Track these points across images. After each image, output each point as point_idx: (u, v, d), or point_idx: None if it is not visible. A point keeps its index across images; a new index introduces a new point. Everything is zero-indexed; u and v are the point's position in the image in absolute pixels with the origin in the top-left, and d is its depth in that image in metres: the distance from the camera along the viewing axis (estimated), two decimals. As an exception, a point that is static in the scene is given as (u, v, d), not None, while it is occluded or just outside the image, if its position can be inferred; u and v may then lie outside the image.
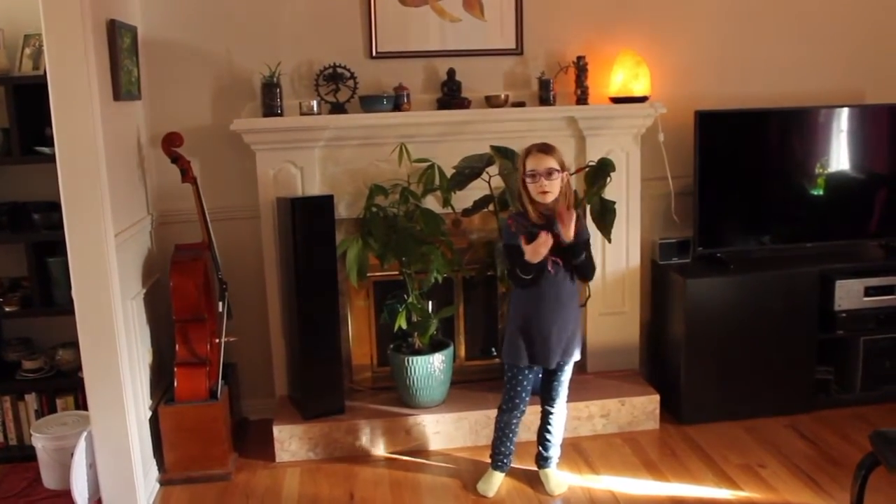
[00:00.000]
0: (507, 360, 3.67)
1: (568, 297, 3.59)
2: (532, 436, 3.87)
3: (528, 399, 3.70)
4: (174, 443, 3.93)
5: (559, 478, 3.81)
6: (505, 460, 3.79)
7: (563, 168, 3.46)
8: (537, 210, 3.47)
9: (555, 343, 3.57)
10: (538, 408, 3.82)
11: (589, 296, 4.48)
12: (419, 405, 4.23)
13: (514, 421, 3.72)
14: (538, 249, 3.37)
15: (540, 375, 3.76)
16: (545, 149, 3.45)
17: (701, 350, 4.33)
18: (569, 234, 3.41)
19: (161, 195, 4.31)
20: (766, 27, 4.65)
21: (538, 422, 3.82)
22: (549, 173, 3.40)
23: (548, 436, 3.79)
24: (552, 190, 3.42)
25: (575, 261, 3.50)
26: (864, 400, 4.52)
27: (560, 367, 3.68)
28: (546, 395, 3.75)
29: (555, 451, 3.82)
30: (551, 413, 3.76)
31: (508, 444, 3.77)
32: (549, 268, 3.49)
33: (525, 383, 3.66)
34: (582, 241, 3.51)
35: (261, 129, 4.15)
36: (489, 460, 3.83)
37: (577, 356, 3.69)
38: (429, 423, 4.18)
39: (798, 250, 4.61)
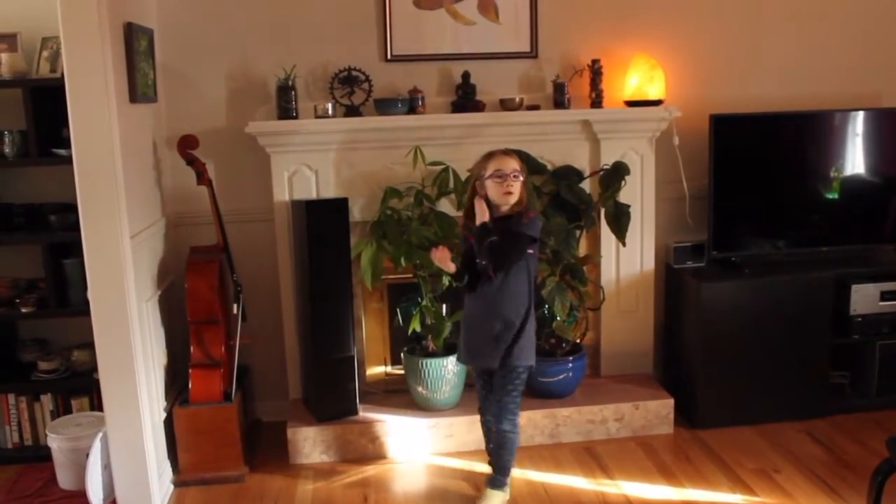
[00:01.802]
0: (458, 362, 3.83)
1: (509, 299, 3.47)
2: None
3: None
4: (188, 444, 3.94)
5: (491, 500, 3.65)
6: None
7: (522, 168, 3.46)
8: (482, 216, 3.41)
9: (489, 344, 3.47)
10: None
11: (603, 299, 4.48)
12: (433, 408, 4.24)
13: (483, 420, 3.72)
14: (441, 260, 3.46)
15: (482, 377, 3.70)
16: (508, 152, 3.47)
17: (715, 354, 4.31)
18: (481, 218, 3.39)
19: (176, 197, 4.33)
20: (781, 30, 4.64)
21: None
22: (515, 175, 3.40)
23: (490, 448, 3.71)
24: (515, 191, 3.41)
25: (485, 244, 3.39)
26: (879, 405, 4.49)
27: (501, 376, 3.52)
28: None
29: (499, 470, 3.66)
30: (491, 422, 3.64)
31: (488, 444, 3.74)
32: (488, 274, 3.43)
33: (480, 383, 3.67)
34: (511, 237, 3.41)
35: (276, 132, 4.16)
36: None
37: (522, 360, 3.49)
38: (442, 426, 4.18)
39: (813, 254, 4.59)
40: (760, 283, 4.33)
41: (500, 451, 3.62)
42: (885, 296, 4.40)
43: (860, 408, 4.50)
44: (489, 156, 3.47)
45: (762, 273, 4.38)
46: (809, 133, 4.53)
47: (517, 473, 3.87)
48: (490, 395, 3.61)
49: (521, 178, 3.43)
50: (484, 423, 3.73)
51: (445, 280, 4.07)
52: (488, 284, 3.46)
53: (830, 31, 4.68)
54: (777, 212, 4.54)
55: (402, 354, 4.34)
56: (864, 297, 4.39)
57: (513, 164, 3.41)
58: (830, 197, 4.55)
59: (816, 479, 3.82)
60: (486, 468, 3.84)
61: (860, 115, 4.52)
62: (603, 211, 4.28)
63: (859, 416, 4.44)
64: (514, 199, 3.41)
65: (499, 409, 3.56)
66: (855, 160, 4.57)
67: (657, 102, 4.37)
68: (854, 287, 4.37)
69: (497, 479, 3.67)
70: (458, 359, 3.77)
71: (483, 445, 3.82)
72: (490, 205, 3.42)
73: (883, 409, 4.48)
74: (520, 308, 3.48)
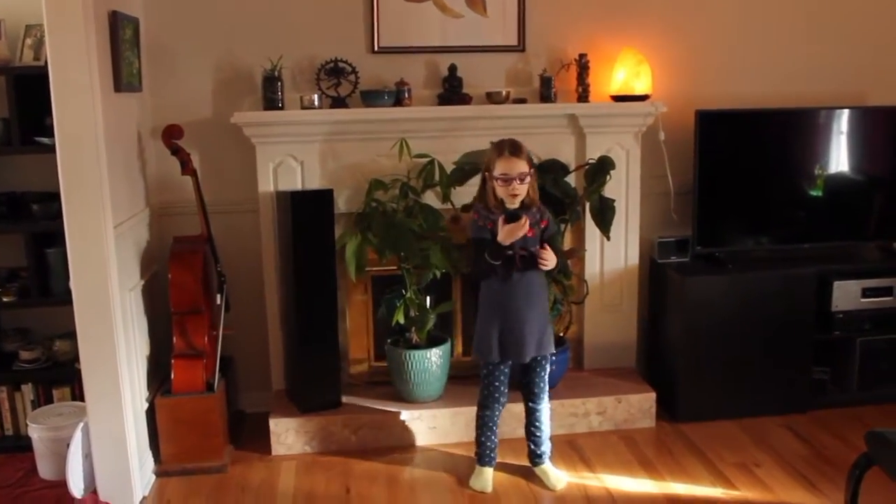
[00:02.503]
0: (479, 356, 3.70)
1: (539, 291, 3.60)
2: (521, 431, 3.86)
3: (506, 392, 3.72)
4: (170, 434, 3.93)
5: (557, 472, 3.82)
6: (492, 454, 3.80)
7: (531, 164, 3.49)
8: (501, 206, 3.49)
9: (527, 337, 3.57)
10: (520, 404, 3.83)
11: (587, 293, 4.49)
12: (416, 400, 4.24)
13: (496, 415, 3.74)
14: (514, 232, 3.39)
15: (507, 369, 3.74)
16: (516, 151, 3.45)
17: (698, 349, 4.34)
18: (549, 266, 3.52)
19: (161, 187, 4.31)
20: (768, 28, 4.65)
21: (524, 419, 3.83)
22: (521, 178, 3.42)
23: (536, 433, 3.79)
24: (522, 193, 3.46)
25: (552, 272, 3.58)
26: (860, 400, 4.53)
27: (537, 362, 3.68)
28: (527, 393, 3.76)
29: (546, 447, 3.83)
30: (536, 410, 3.76)
31: (493, 437, 3.78)
32: (518, 261, 3.50)
33: (501, 378, 3.68)
34: (552, 245, 3.56)
35: (261, 123, 4.15)
36: (475, 458, 3.84)
37: (551, 349, 3.68)
38: (425, 418, 4.19)
39: (796, 251, 4.62)
40: (744, 279, 4.35)
41: (543, 427, 3.80)
42: (866, 293, 4.43)
43: (840, 403, 4.53)
44: (499, 150, 3.47)
45: (746, 269, 4.41)
46: (794, 130, 4.55)
47: (499, 467, 3.87)
48: (525, 388, 3.76)
49: (529, 180, 3.46)
50: (489, 418, 3.74)
51: (433, 272, 4.08)
52: (522, 277, 3.54)
53: (817, 30, 4.70)
54: (761, 208, 4.56)
55: (385, 346, 4.34)
56: (846, 294, 4.42)
57: (519, 167, 3.43)
58: (814, 194, 4.57)
59: (796, 474, 3.85)
60: (467, 460, 3.86)
61: (845, 113, 4.55)
62: (588, 205, 4.29)
63: (840, 412, 4.47)
64: (519, 199, 3.47)
65: (539, 392, 3.74)
66: (839, 158, 4.60)
67: (643, 97, 4.38)
68: (836, 284, 4.40)
69: (547, 454, 3.83)
70: (485, 358, 3.65)
71: (469, 438, 3.84)
72: (497, 199, 3.50)
73: (863, 405, 4.51)
74: (546, 294, 3.66)
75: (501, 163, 3.45)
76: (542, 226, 3.56)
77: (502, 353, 3.61)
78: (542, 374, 3.73)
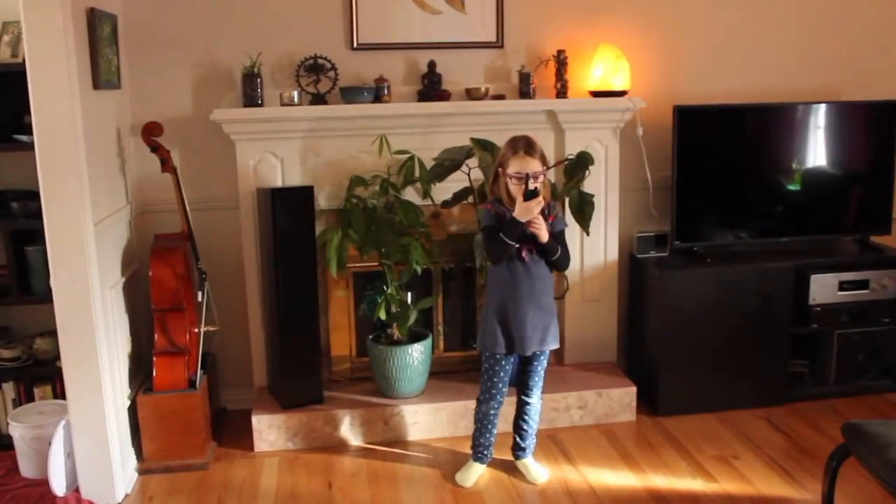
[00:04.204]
0: (484, 349, 3.68)
1: (543, 285, 3.62)
2: (507, 426, 3.89)
3: (506, 389, 3.73)
4: (152, 432, 3.93)
5: (539, 467, 3.84)
6: (486, 452, 3.82)
7: (545, 162, 3.49)
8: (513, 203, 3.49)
9: (531, 330, 3.59)
10: (513, 398, 3.84)
11: (567, 288, 4.51)
12: (398, 396, 4.26)
13: (493, 411, 3.75)
14: (531, 207, 3.38)
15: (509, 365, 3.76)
16: (530, 150, 3.44)
17: (677, 343, 4.37)
18: (543, 237, 3.47)
19: (141, 184, 4.31)
20: (745, 24, 4.69)
21: (513, 412, 3.85)
22: (535, 177, 3.42)
23: (524, 426, 3.81)
24: (539, 192, 3.43)
25: (549, 258, 3.56)
26: (837, 393, 4.58)
27: (536, 356, 3.71)
28: (522, 385, 3.78)
29: (531, 441, 3.85)
30: (528, 403, 3.78)
31: (489, 435, 3.79)
32: (524, 255, 3.53)
33: (503, 373, 3.69)
34: (557, 240, 3.57)
35: (241, 120, 4.15)
36: (469, 451, 3.86)
37: (554, 345, 3.71)
38: (407, 414, 4.20)
39: (774, 245, 4.66)
40: (722, 273, 4.38)
41: (531, 422, 3.82)
42: (843, 286, 4.48)
43: (818, 395, 4.58)
44: (514, 149, 3.47)
45: (724, 263, 4.44)
46: (772, 125, 4.59)
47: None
48: (521, 381, 3.78)
49: (543, 178, 3.46)
50: (486, 414, 3.75)
51: (414, 268, 4.09)
52: (527, 271, 3.56)
53: (792, 26, 4.74)
54: (739, 203, 4.59)
55: (367, 342, 4.35)
56: (823, 287, 4.46)
57: (533, 166, 3.43)
58: (792, 188, 4.62)
59: (774, 465, 3.89)
60: (449, 455, 3.88)
61: (822, 108, 4.59)
62: (567, 200, 4.31)
63: (817, 404, 4.52)
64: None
65: (534, 385, 3.76)
66: (816, 153, 4.64)
67: (622, 93, 4.41)
68: (813, 277, 4.44)
69: (530, 448, 3.85)
70: (491, 350, 3.65)
71: (450, 433, 3.86)
72: (510, 195, 3.50)
73: (840, 397, 4.57)
74: (552, 288, 3.67)
75: (516, 161, 3.45)
76: (550, 220, 3.54)
77: (507, 347, 3.62)
78: (540, 368, 3.74)
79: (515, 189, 3.46)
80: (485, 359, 3.71)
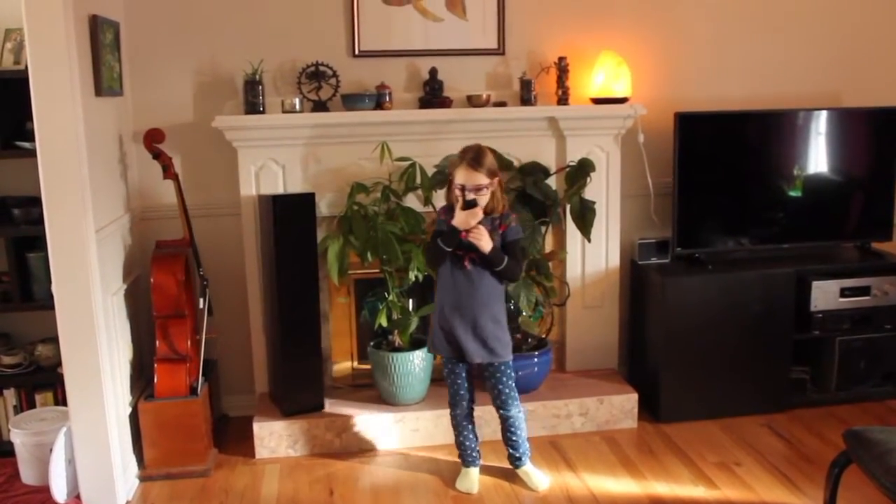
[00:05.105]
0: (432, 352, 3.80)
1: (488, 296, 3.60)
2: (500, 434, 3.88)
3: (469, 390, 3.74)
4: (154, 439, 3.93)
5: (539, 473, 3.83)
6: (473, 454, 3.82)
7: (494, 176, 3.50)
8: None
9: (471, 340, 3.59)
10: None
11: (568, 295, 4.51)
12: (399, 402, 4.25)
13: (461, 416, 3.76)
14: (468, 219, 3.44)
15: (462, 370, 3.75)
16: (475, 164, 3.46)
17: (679, 349, 4.37)
18: (483, 247, 3.48)
19: (142, 191, 4.31)
20: (745, 30, 4.69)
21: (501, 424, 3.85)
22: (477, 189, 3.46)
23: (512, 437, 3.80)
24: (479, 203, 3.47)
25: (493, 268, 3.55)
26: (838, 399, 4.57)
27: (495, 369, 3.67)
28: (494, 400, 3.76)
29: (525, 448, 3.83)
30: (507, 417, 3.76)
31: (466, 440, 3.80)
32: (466, 264, 3.55)
33: (459, 379, 3.72)
34: (509, 250, 3.56)
35: (243, 127, 4.16)
36: (459, 461, 3.87)
37: (505, 357, 3.66)
38: (408, 421, 4.20)
39: (775, 251, 4.66)
40: (724, 280, 4.38)
41: (518, 432, 3.78)
42: (844, 292, 4.47)
43: (819, 402, 4.57)
44: (461, 158, 3.51)
45: (725, 269, 4.44)
46: (773, 132, 4.59)
47: (482, 470, 3.89)
48: (491, 396, 3.75)
49: (488, 192, 3.48)
50: (459, 417, 3.77)
51: (412, 275, 4.10)
52: (469, 279, 3.57)
53: (794, 32, 4.75)
54: (741, 209, 4.59)
55: (368, 349, 4.35)
56: (825, 294, 4.46)
57: (476, 180, 3.46)
58: (793, 195, 4.62)
59: (776, 472, 3.89)
60: (451, 462, 3.88)
61: (823, 114, 4.59)
62: (568, 207, 4.32)
63: (818, 411, 4.52)
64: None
65: (506, 399, 3.72)
66: (817, 159, 4.64)
67: (623, 100, 4.41)
68: (815, 284, 4.44)
69: (526, 455, 3.82)
70: (436, 353, 3.82)
71: (452, 440, 3.86)
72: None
73: (841, 404, 4.56)
74: (500, 297, 3.65)
75: (459, 172, 3.50)
76: (501, 230, 3.55)
77: (454, 353, 3.65)
78: (505, 380, 3.70)
79: (456, 198, 3.50)
80: (443, 362, 3.76)
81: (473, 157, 3.48)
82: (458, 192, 3.50)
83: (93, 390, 3.53)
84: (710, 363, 4.40)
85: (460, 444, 3.81)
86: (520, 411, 3.78)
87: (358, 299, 4.51)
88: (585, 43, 4.51)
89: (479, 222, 3.48)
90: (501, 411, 3.76)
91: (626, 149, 4.53)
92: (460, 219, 3.46)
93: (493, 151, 3.97)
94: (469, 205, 3.44)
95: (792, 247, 4.66)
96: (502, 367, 3.68)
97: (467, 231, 3.46)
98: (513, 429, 3.77)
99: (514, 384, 3.74)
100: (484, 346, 3.61)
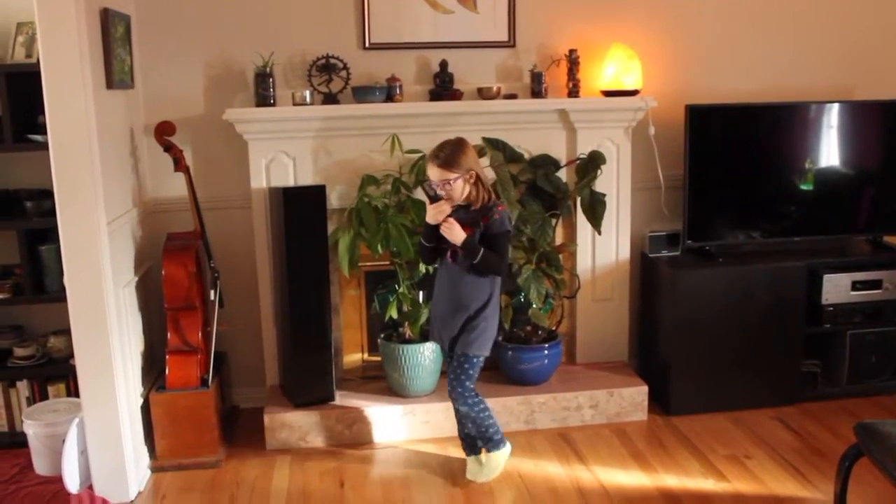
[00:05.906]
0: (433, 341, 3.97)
1: (466, 289, 3.59)
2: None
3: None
4: (165, 430, 3.95)
5: (476, 467, 3.79)
6: (462, 443, 3.85)
7: (464, 169, 3.47)
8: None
9: (446, 330, 3.64)
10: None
11: (579, 287, 4.51)
12: (409, 394, 4.26)
13: (455, 405, 3.76)
14: (435, 214, 3.50)
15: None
16: (436, 159, 3.48)
17: (689, 342, 4.36)
18: (454, 240, 3.50)
19: (153, 184, 4.33)
20: (757, 23, 4.67)
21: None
22: (442, 184, 3.49)
23: (463, 430, 3.80)
24: (451, 198, 3.50)
25: (471, 261, 3.53)
26: (849, 393, 4.56)
27: (456, 357, 3.66)
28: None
29: (471, 442, 3.79)
30: (456, 409, 3.74)
31: (462, 428, 3.80)
32: (449, 257, 3.60)
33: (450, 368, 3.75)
34: (492, 244, 3.53)
35: (253, 119, 4.16)
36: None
37: (477, 351, 3.62)
38: (419, 412, 4.21)
39: (786, 244, 4.65)
40: (734, 273, 4.37)
41: (472, 426, 3.74)
42: (856, 286, 4.46)
43: (830, 395, 4.57)
44: (431, 154, 3.55)
45: (736, 262, 4.43)
46: (784, 124, 4.57)
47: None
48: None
49: (454, 185, 3.47)
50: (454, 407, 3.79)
51: (422, 267, 4.10)
52: (449, 271, 3.62)
53: (806, 25, 4.72)
54: (752, 202, 4.58)
55: (378, 341, 4.36)
56: (836, 287, 4.45)
57: (441, 175, 3.48)
58: (805, 188, 4.60)
59: (787, 465, 3.88)
60: (461, 454, 3.88)
61: (835, 107, 4.57)
62: (579, 200, 4.31)
63: (829, 404, 4.51)
64: (449, 204, 3.52)
65: (452, 389, 3.69)
66: (829, 152, 4.62)
67: (633, 92, 4.40)
68: (826, 277, 4.43)
69: (484, 445, 3.77)
70: (432, 339, 3.94)
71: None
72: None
73: (852, 397, 4.55)
74: (481, 294, 3.60)
75: (428, 168, 3.55)
76: (483, 223, 3.52)
77: (431, 335, 3.81)
78: (459, 371, 3.64)
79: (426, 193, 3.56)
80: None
81: (442, 154, 3.50)
82: (426, 187, 3.55)
83: (105, 382, 3.55)
84: (720, 356, 4.39)
85: (492, 424, 3.75)
86: (466, 407, 3.68)
87: (368, 291, 4.52)
88: (596, 35, 4.50)
89: (457, 215, 3.51)
90: (451, 402, 3.75)
91: (636, 141, 4.52)
92: (429, 213, 3.53)
93: (502, 145, 3.99)
94: (434, 199, 3.51)
95: (803, 240, 4.65)
96: (462, 358, 3.64)
97: (438, 225, 3.51)
98: (463, 421, 3.75)
99: (468, 381, 3.64)
100: (457, 338, 3.62)
